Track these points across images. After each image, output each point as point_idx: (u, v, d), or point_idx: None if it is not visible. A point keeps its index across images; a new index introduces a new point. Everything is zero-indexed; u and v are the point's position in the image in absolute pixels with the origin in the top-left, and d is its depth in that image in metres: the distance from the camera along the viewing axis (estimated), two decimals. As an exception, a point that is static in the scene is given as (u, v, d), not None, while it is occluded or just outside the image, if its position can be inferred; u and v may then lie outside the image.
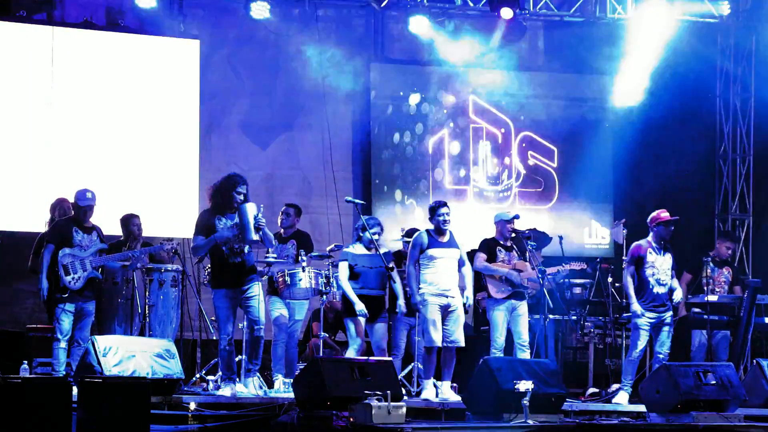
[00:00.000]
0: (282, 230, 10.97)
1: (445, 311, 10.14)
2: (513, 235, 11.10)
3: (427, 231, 10.26)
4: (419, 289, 10.11)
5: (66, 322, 9.72)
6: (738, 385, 9.52)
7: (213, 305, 9.74)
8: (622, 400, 10.49)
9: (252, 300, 9.62)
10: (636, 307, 10.64)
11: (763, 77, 14.82)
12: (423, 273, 10.16)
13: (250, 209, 9.51)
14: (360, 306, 10.12)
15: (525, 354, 10.74)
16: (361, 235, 10.30)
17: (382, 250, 10.22)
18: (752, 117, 14.97)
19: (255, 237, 9.49)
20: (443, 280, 10.13)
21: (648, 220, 10.95)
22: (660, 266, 10.76)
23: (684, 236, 11.72)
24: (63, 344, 9.71)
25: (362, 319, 10.17)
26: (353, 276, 10.21)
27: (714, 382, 9.35)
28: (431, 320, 10.08)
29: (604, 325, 12.31)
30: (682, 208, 14.50)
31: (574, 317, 12.19)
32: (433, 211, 10.25)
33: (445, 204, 10.29)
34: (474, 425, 8.77)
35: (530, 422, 8.47)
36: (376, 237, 10.18)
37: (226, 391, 9.52)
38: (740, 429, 9.10)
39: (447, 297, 10.13)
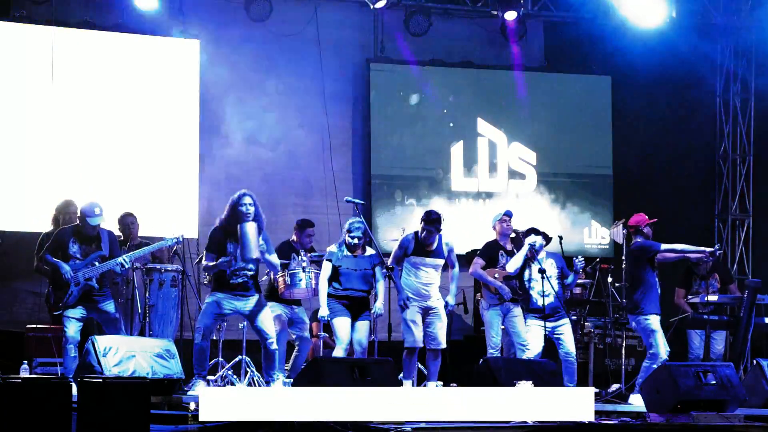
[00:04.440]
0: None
1: (426, 312, 10.20)
2: (513, 235, 11.11)
3: (416, 234, 10.27)
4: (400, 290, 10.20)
5: (71, 329, 9.70)
6: (738, 385, 9.50)
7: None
8: (639, 401, 10.26)
9: (260, 314, 9.66)
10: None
11: (763, 77, 14.83)
12: (405, 276, 10.22)
13: (250, 228, 9.51)
14: (324, 312, 10.13)
15: (525, 354, 10.75)
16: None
17: (370, 252, 10.24)
18: (752, 117, 14.99)
19: (255, 255, 9.49)
20: (424, 287, 10.21)
21: (633, 223, 10.89)
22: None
23: (684, 237, 11.71)
24: (72, 352, 9.66)
25: (347, 319, 10.16)
26: (337, 277, 10.23)
27: (714, 382, 9.33)
28: (411, 321, 10.12)
29: (604, 325, 12.32)
30: (682, 208, 14.57)
31: (574, 317, 12.20)
32: (422, 221, 10.24)
33: (435, 220, 10.14)
34: (474, 425, 8.76)
35: (530, 422, 8.45)
36: (355, 242, 10.19)
37: (198, 389, 9.50)
38: (740, 429, 9.09)
39: (427, 300, 10.21)
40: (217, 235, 9.66)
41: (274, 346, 9.72)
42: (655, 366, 10.39)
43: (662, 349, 10.65)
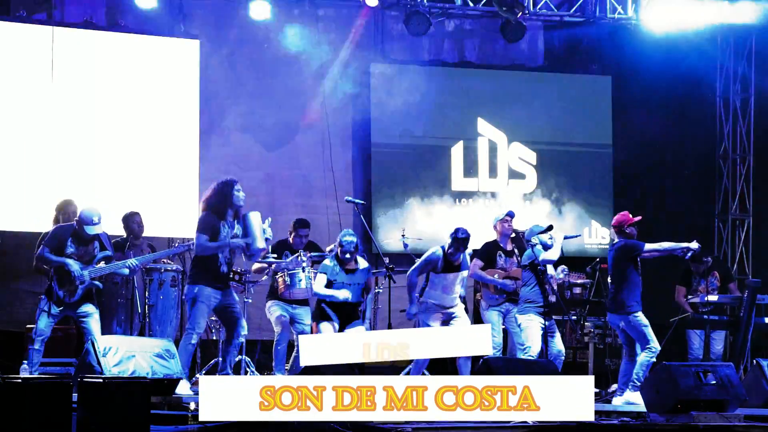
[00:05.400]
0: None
1: (449, 319, 10.39)
2: (513, 234, 11.12)
3: (443, 251, 10.34)
4: (419, 298, 10.29)
5: (41, 322, 9.67)
6: (738, 385, 9.49)
7: (187, 298, 9.71)
8: (639, 399, 10.15)
9: (236, 306, 9.80)
10: None
11: (763, 77, 14.82)
12: (429, 289, 10.39)
13: (255, 218, 9.57)
14: (344, 294, 10.23)
15: (526, 353, 10.75)
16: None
17: (363, 265, 10.40)
18: (752, 117, 14.97)
19: (263, 245, 9.59)
20: (448, 298, 10.41)
21: (616, 224, 10.80)
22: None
23: (684, 237, 11.72)
24: (37, 345, 9.64)
25: (335, 325, 10.27)
26: (329, 288, 10.39)
27: (714, 382, 9.33)
28: (428, 325, 10.25)
29: (604, 325, 12.31)
30: (682, 207, 14.56)
31: (574, 317, 12.19)
32: (451, 237, 10.33)
33: (465, 239, 10.28)
34: (474, 425, 8.76)
35: (530, 422, 8.45)
36: (347, 256, 10.28)
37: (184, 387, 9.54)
38: (740, 429, 9.09)
39: (450, 308, 10.42)
40: (210, 219, 9.61)
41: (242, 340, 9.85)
42: (654, 359, 10.38)
43: (656, 340, 10.60)
